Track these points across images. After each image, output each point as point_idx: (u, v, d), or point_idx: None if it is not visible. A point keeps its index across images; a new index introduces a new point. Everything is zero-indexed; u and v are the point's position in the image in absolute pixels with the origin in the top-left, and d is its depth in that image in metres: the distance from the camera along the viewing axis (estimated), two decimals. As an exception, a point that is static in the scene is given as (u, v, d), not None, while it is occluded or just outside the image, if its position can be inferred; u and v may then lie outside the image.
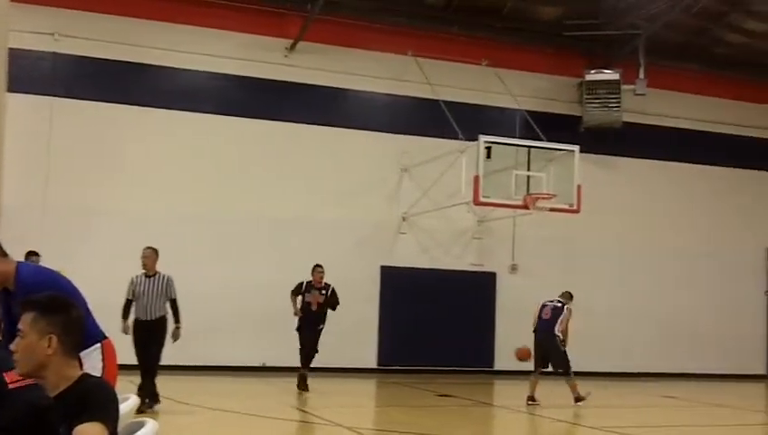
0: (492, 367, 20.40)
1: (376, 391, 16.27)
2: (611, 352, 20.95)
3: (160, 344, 12.24)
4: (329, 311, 15.09)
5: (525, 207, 17.74)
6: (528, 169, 18.25)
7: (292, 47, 19.46)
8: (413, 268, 19.91)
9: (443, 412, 14.10)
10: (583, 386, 14.57)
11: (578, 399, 14.35)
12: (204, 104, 18.92)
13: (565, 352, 14.50)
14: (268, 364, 18.17)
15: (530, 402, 14.42)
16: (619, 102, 20.90)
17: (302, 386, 14.86)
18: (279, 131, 19.40)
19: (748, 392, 20.08)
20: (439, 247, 20.29)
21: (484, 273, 20.59)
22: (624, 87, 20.89)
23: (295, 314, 14.90)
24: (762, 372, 22.90)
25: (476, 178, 17.16)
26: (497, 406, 16.66)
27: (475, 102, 20.46)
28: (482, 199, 17.37)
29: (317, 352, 14.98)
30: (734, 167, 23.08)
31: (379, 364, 19.59)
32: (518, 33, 20.89)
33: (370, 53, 20.01)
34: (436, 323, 19.91)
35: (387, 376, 17.78)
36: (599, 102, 20.87)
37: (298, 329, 14.98)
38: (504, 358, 20.42)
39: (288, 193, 19.29)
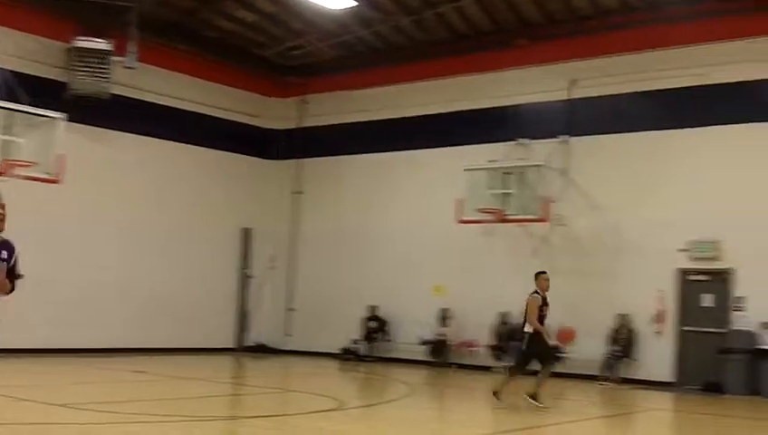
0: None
1: None
2: (90, 326, 20.40)
3: None
4: None
5: (1, 173, 16.48)
6: (7, 134, 16.98)
7: None
8: None
9: None
10: (56, 363, 13.85)
11: (496, 393, 13.80)
12: None
13: (522, 352, 13.85)
14: None
15: (531, 401, 13.59)
16: (108, 73, 20.28)
17: None
18: None
19: (218, 365, 20.91)
20: None
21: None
22: (116, 59, 20.37)
23: None
24: (231, 345, 24.03)
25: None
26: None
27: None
28: (-51, 161, 15.76)
29: None
30: (219, 149, 23.89)
31: None
32: (3, -14, 19.33)
33: None
34: None
35: None
36: (87, 71, 20.04)
37: None
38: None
39: None
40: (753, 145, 18.28)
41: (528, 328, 13.62)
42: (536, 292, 13.87)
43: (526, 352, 13.76)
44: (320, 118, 24.67)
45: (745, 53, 18.37)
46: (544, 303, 13.82)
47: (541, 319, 13.69)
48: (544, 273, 14.11)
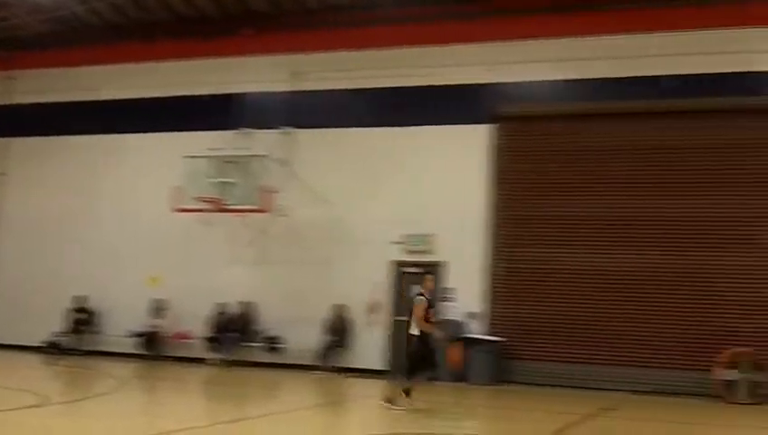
0: None
1: None
2: None
3: None
4: None
5: None
6: None
7: None
8: None
9: None
10: None
11: (389, 401, 13.10)
12: None
13: (414, 352, 13.19)
14: None
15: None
16: None
17: None
18: None
19: None
20: None
21: None
22: None
23: None
24: None
25: None
26: None
27: None
28: None
29: None
30: None
31: None
32: None
33: None
34: None
35: None
36: None
37: None
38: None
39: None
40: (467, 145, 19.21)
41: (414, 330, 13.31)
42: (421, 294, 13.56)
43: (413, 353, 13.39)
44: (28, 95, 22.99)
45: (466, 57, 19.29)
46: (430, 305, 13.52)
47: (427, 320, 13.38)
48: (430, 274, 14.04)
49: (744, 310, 17.26)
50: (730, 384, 16.62)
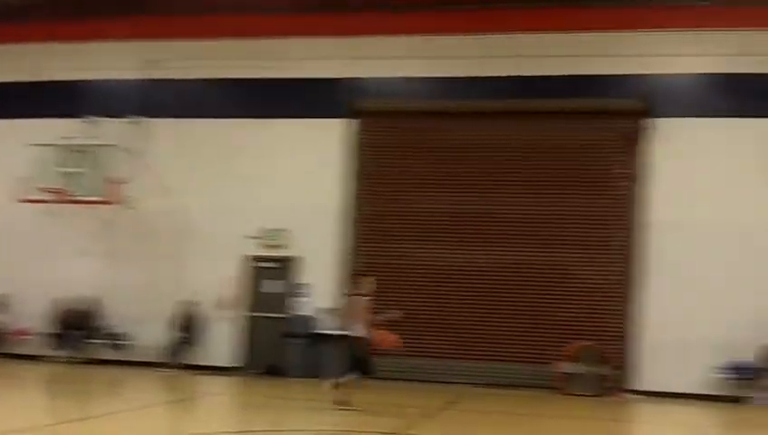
0: None
1: None
2: None
3: None
4: None
5: None
6: None
7: None
8: None
9: None
10: None
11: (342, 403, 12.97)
12: None
13: (353, 356, 13.21)
14: None
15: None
16: None
17: None
18: None
19: None
20: None
21: None
22: None
23: None
24: None
25: None
26: None
27: None
28: None
29: None
30: None
31: None
32: None
33: None
34: None
35: None
36: None
37: None
38: None
39: None
40: (325, 139, 19.05)
41: (358, 332, 13.26)
42: (360, 294, 13.47)
43: (357, 355, 13.34)
44: None
45: (326, 50, 19.13)
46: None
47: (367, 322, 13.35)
48: (367, 275, 13.88)
49: (590, 305, 17.82)
50: (574, 377, 17.16)
